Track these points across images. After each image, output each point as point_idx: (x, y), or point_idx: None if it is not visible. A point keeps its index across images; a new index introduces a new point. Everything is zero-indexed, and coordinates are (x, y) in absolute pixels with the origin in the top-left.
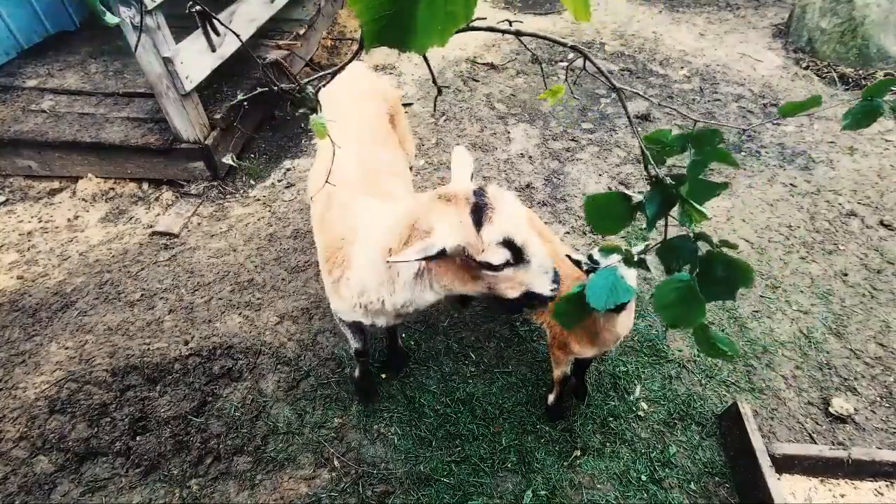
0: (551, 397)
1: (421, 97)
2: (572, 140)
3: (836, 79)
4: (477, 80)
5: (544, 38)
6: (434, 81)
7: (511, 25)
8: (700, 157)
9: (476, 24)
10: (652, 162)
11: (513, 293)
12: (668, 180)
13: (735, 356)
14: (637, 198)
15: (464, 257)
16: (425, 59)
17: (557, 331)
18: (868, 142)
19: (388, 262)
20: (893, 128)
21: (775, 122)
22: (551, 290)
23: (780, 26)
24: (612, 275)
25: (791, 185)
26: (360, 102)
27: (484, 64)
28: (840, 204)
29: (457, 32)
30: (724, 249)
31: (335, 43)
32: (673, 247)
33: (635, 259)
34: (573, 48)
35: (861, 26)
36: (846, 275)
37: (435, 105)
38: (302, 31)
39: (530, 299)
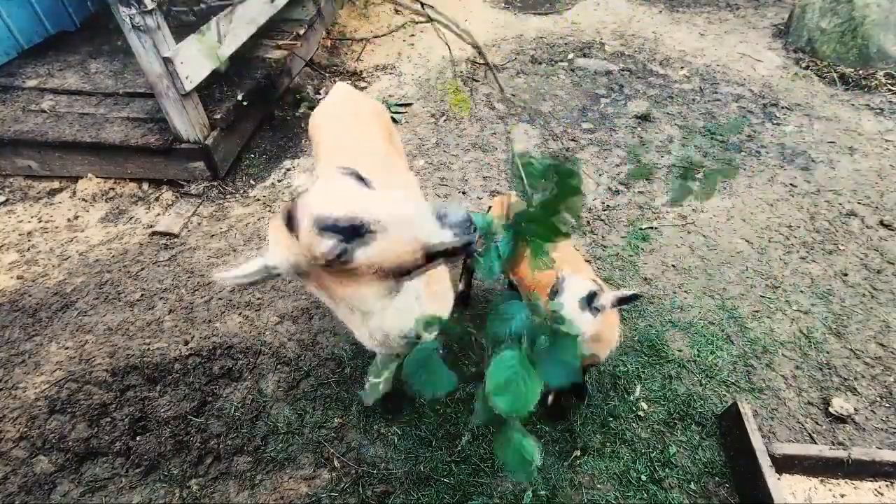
0: (550, 397)
1: (421, 97)
2: (572, 140)
3: (836, 79)
4: (477, 80)
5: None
6: (486, 62)
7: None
8: (554, 195)
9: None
10: (526, 186)
11: (411, 260)
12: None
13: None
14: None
15: (316, 268)
16: (479, 48)
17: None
18: (868, 142)
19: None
20: (893, 128)
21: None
22: (454, 236)
23: (780, 26)
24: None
25: (791, 185)
26: (359, 125)
27: (484, 64)
28: (840, 204)
29: None
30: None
31: (335, 43)
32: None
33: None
34: (475, 47)
35: (861, 26)
36: (846, 275)
37: (500, 86)
38: (302, 31)
39: (439, 257)
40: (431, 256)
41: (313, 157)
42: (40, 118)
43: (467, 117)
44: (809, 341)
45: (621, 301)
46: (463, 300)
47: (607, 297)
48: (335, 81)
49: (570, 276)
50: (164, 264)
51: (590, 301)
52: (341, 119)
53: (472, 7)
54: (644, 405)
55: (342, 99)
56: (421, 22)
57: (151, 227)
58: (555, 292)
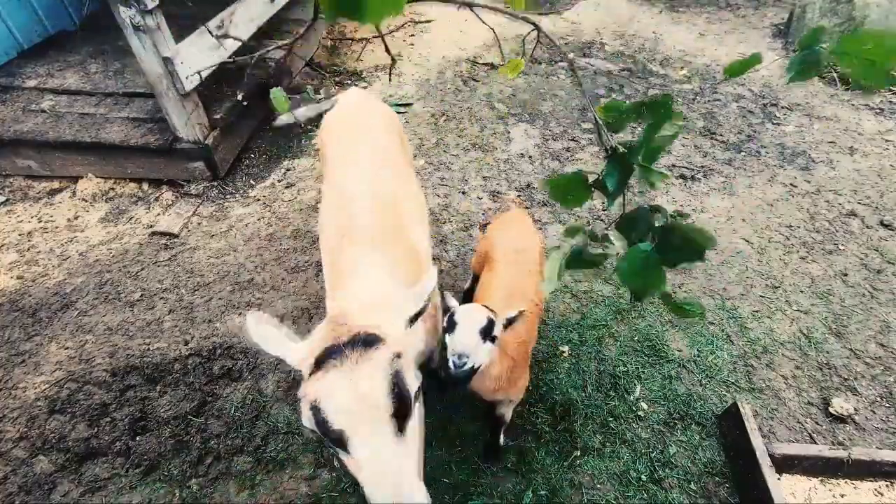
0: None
1: (421, 97)
2: (572, 140)
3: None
4: (477, 80)
5: (495, 8)
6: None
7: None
8: (654, 121)
9: None
10: (606, 133)
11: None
12: (622, 148)
13: (700, 316)
14: (593, 176)
15: None
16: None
17: None
18: (868, 142)
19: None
20: (893, 128)
21: (715, 83)
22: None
23: (780, 26)
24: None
25: (791, 185)
26: (370, 129)
27: (484, 64)
28: (840, 204)
29: (409, 1)
30: (679, 219)
31: (335, 43)
32: (631, 219)
33: (599, 236)
34: (525, 20)
35: (861, 26)
36: (846, 275)
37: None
38: (302, 31)
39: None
40: None
41: (322, 169)
42: (40, 118)
43: (515, 77)
44: (809, 341)
45: (509, 322)
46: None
47: (499, 322)
48: (335, 82)
49: (461, 308)
50: (164, 264)
51: (487, 331)
52: (354, 129)
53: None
54: (644, 405)
55: (354, 106)
56: (421, 22)
57: (151, 227)
58: (449, 326)
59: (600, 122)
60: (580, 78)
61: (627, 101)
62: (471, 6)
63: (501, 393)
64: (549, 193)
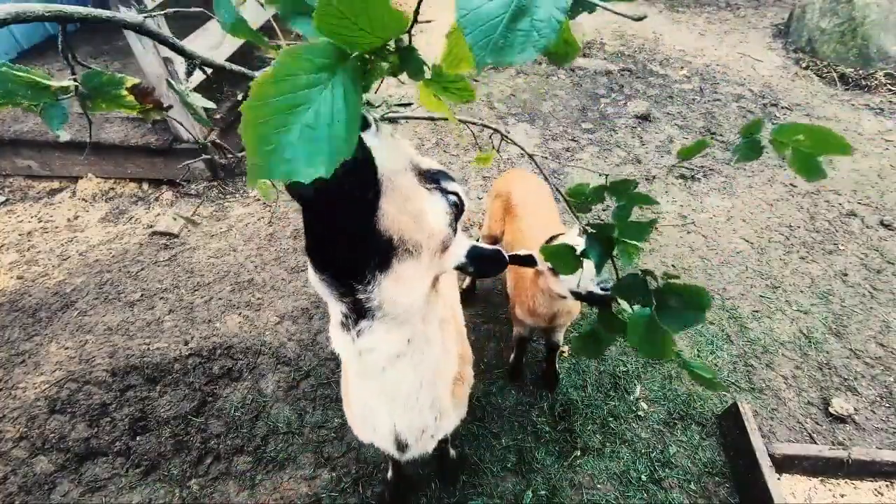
0: (512, 357)
1: None
2: (572, 140)
3: (836, 79)
4: (477, 80)
5: (469, 122)
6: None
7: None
8: (623, 203)
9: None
10: (577, 215)
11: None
12: (590, 230)
13: (719, 388)
14: (581, 247)
15: None
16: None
17: (512, 293)
18: (868, 142)
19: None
20: (893, 128)
21: (676, 164)
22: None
23: (780, 26)
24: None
25: (791, 185)
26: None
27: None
28: (840, 204)
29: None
30: (671, 280)
31: None
32: (626, 285)
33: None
34: (492, 128)
35: (861, 26)
36: (846, 275)
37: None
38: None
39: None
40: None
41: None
42: (40, 118)
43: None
44: (809, 341)
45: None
46: (467, 293)
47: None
48: None
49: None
50: (164, 264)
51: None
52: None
53: None
54: (644, 405)
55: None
56: (421, 22)
57: (151, 227)
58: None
59: (570, 204)
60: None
61: (593, 182)
62: (412, 118)
63: (563, 318)
64: (544, 258)
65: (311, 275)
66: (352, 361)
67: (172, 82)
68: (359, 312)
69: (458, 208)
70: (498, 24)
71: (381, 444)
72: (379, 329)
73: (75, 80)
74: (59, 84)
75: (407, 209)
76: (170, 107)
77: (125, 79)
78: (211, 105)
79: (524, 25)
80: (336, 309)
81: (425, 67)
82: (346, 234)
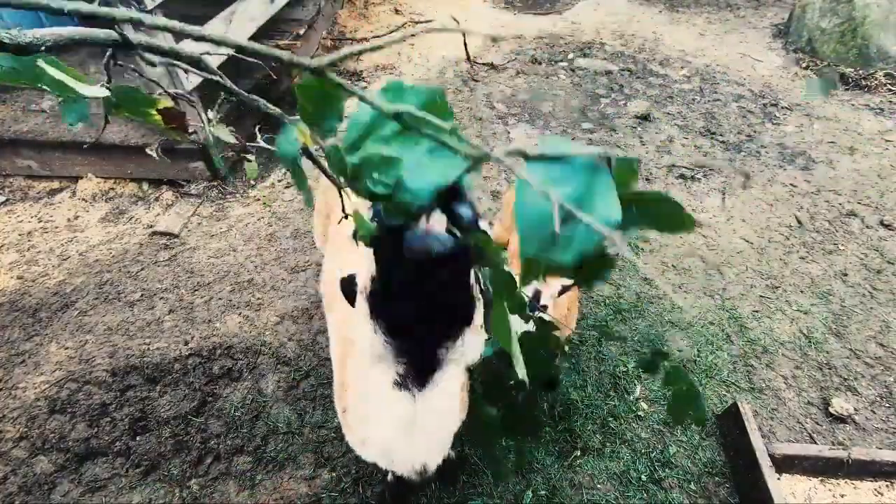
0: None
1: None
2: (572, 140)
3: (836, 79)
4: (477, 80)
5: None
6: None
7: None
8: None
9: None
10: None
11: None
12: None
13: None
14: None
15: None
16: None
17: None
18: (868, 142)
19: None
20: (893, 128)
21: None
22: None
23: (780, 26)
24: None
25: (791, 185)
26: None
27: (484, 64)
28: (840, 204)
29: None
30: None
31: (335, 43)
32: (648, 363)
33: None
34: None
35: (861, 26)
36: (846, 275)
37: None
38: (302, 31)
39: None
40: None
41: None
42: (40, 118)
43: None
44: (809, 341)
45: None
46: None
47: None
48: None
49: None
50: (164, 264)
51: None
52: None
53: (472, 6)
54: (644, 405)
55: None
56: (421, 22)
57: (151, 227)
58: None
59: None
60: (579, 78)
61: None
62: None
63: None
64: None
65: (369, 338)
66: (399, 411)
67: (202, 114)
68: (424, 367)
69: None
70: (547, 222)
71: (398, 471)
72: (454, 372)
73: (108, 87)
74: (94, 94)
75: None
76: (194, 132)
77: (158, 101)
78: (233, 140)
79: (568, 231)
80: (390, 370)
81: None
82: (458, 291)
